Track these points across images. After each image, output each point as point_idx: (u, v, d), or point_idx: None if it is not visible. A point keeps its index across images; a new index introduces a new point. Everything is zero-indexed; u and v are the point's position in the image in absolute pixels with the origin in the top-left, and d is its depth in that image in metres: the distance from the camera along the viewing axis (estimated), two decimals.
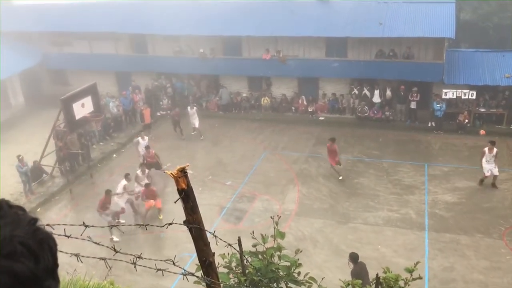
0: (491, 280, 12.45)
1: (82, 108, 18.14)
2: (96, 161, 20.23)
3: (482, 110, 21.79)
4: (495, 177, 16.61)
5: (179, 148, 21.03)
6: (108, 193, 15.16)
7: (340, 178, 17.57)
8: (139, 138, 19.40)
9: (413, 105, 22.25)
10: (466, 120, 21.38)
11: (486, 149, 16.51)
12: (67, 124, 17.84)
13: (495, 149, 16.34)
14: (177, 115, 22.01)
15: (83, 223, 2.53)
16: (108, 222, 14.49)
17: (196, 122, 21.87)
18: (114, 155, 21.06)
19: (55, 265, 1.03)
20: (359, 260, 10.70)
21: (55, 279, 1.02)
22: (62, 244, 1.73)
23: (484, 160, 16.55)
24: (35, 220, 1.03)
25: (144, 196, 15.99)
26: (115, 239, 14.14)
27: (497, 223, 14.72)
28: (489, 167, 16.47)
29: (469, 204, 15.96)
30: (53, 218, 16.12)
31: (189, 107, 22.06)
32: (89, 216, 15.81)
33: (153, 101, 24.63)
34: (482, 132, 21.06)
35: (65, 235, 2.38)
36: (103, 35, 24.85)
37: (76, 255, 2.46)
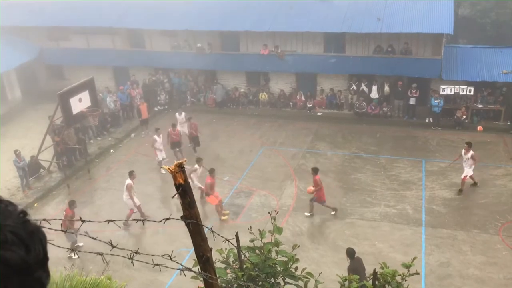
0: (487, 275, 12.51)
1: (79, 103, 18.10)
2: (93, 156, 20.20)
3: (480, 106, 21.81)
4: (471, 176, 16.16)
5: None
6: (72, 204, 13.66)
7: (333, 213, 15.39)
8: (155, 136, 18.37)
9: (412, 101, 22.26)
10: (464, 116, 21.40)
11: (463, 150, 16.17)
12: (64, 119, 17.80)
13: (471, 151, 15.84)
14: (195, 129, 19.75)
15: (80, 217, 2.52)
16: (73, 242, 13.06)
17: (185, 130, 19.93)
18: (112, 150, 21.02)
19: (46, 257, 1.04)
20: (355, 256, 10.74)
21: (46, 271, 1.03)
22: (59, 239, 1.73)
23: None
24: (25, 213, 1.05)
25: (208, 188, 15.14)
26: (74, 256, 12.66)
27: (494, 219, 14.77)
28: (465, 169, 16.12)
29: (466, 200, 16.01)
30: (50, 213, 16.10)
31: (177, 113, 20.83)
32: (86, 211, 15.81)
33: (150, 96, 24.57)
34: (479, 128, 21.10)
35: (62, 230, 2.38)
36: (100, 30, 24.75)
37: (73, 249, 2.46)
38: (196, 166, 16.09)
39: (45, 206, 16.88)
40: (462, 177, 16.18)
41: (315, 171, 15.10)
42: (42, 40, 26.26)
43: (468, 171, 16.07)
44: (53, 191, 17.83)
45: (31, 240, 0.99)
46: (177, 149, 19.12)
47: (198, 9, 23.94)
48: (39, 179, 18.35)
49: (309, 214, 15.33)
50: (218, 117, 23.84)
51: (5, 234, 0.95)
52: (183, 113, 20.92)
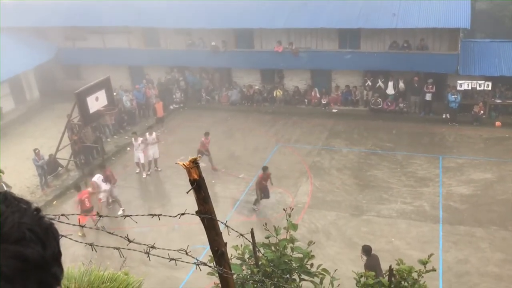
0: (506, 272, 12.34)
1: (96, 102, 18.30)
2: (110, 155, 20.42)
3: (498, 101, 21.47)
4: None
5: (192, 141, 21.08)
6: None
7: (121, 211, 15.66)
8: (133, 139, 18.56)
9: (428, 96, 22.01)
10: (482, 112, 21.09)
11: None
12: (81, 118, 18.02)
13: None
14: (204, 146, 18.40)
15: (97, 213, 2.56)
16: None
17: (110, 197, 16.42)
18: (128, 149, 21.20)
19: (60, 253, 1.07)
20: (372, 253, 10.68)
21: (60, 266, 1.06)
22: (77, 236, 1.76)
23: None
24: (39, 210, 1.07)
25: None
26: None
27: None
28: None
29: (484, 196, 15.79)
30: (68, 210, 16.28)
31: (133, 138, 18.75)
32: (103, 208, 16.00)
33: (166, 94, 24.74)
34: (497, 123, 20.78)
35: (80, 225, 2.42)
36: (116, 29, 24.99)
37: (91, 244, 2.50)
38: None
39: (63, 204, 17.12)
40: None
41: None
42: (59, 40, 26.62)
43: None
44: (71, 189, 18.04)
45: (47, 236, 1.02)
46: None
47: (212, 7, 23.99)
48: (57, 177, 18.62)
49: (121, 211, 15.62)
50: (233, 114, 23.88)
51: (24, 232, 0.97)
52: (154, 133, 19.05)
